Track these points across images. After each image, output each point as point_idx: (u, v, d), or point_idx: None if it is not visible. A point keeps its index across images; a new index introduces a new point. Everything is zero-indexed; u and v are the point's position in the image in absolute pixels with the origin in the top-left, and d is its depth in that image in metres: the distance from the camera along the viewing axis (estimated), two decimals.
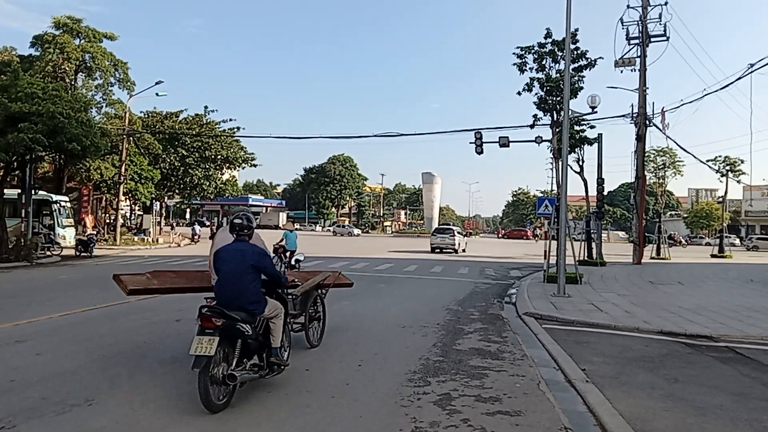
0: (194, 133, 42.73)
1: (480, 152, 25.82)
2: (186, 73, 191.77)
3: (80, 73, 36.53)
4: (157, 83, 33.89)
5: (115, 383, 5.68)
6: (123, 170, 34.29)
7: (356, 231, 75.60)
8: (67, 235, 28.90)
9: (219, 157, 45.58)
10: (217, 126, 44.37)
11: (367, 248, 38.01)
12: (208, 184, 46.22)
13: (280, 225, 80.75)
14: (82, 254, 24.80)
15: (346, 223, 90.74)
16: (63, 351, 7.04)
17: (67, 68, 34.59)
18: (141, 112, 43.63)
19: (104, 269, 19.65)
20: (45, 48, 34.50)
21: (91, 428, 4.43)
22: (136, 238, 36.82)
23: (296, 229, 18.83)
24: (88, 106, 30.54)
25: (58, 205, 28.29)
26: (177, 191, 48.39)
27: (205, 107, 44.64)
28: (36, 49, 35.69)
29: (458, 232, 38.84)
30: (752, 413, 5.19)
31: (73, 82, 35.49)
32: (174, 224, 63.82)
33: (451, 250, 35.63)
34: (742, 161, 41.02)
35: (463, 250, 37.28)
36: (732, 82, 21.78)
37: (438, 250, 35.57)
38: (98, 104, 37.56)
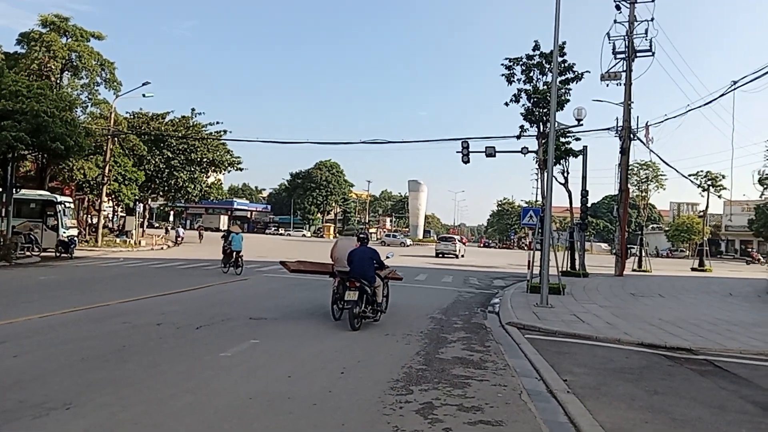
0: (180, 135, 42.44)
1: (467, 161, 25.96)
2: (174, 75, 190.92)
3: (66, 72, 36.14)
4: (144, 84, 33.65)
5: (95, 387, 5.60)
6: (107, 171, 33.93)
7: (408, 241, 68.40)
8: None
9: (205, 159, 45.30)
10: (203, 129, 44.14)
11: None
12: (193, 186, 45.87)
13: (220, 227, 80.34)
14: (63, 255, 24.47)
15: (394, 232, 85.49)
16: (41, 353, 6.94)
17: (53, 67, 34.24)
18: (127, 112, 43.27)
19: (85, 271, 19.41)
20: (31, 46, 34.11)
21: (70, 431, 4.37)
22: (118, 240, 36.41)
23: (241, 232, 20.69)
24: (73, 105, 30.21)
25: (62, 206, 27.93)
26: (161, 193, 47.96)
27: (192, 109, 44.42)
28: (22, 46, 35.28)
29: (458, 241, 45.88)
30: (730, 426, 5.26)
31: (58, 81, 35.11)
32: (168, 227, 62.51)
33: (452, 255, 41.40)
34: (724, 176, 41.62)
35: (462, 256, 43.03)
36: (715, 99, 22.13)
37: (441, 255, 41.38)
38: (83, 104, 37.16)
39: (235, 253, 19.44)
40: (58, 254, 24.53)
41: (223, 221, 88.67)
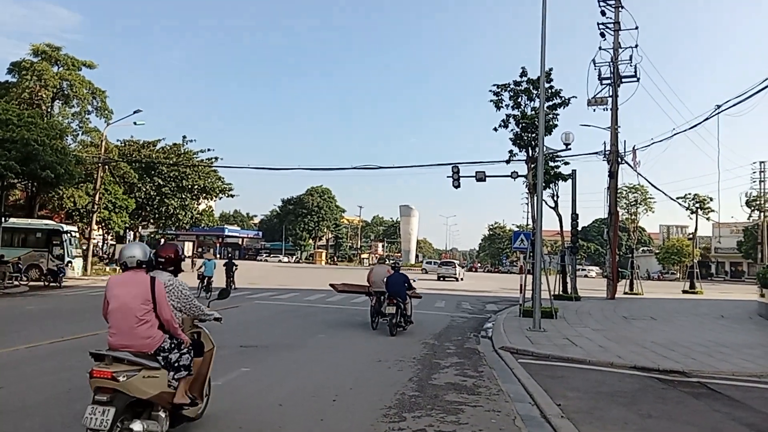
0: (171, 162, 42.46)
1: (457, 186, 26.11)
2: (165, 103, 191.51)
3: (57, 101, 36.26)
4: (135, 112, 33.71)
5: (80, 419, 5.49)
6: (97, 199, 33.80)
7: (460, 272, 49.79)
8: (77, 266, 28.68)
9: (196, 186, 45.26)
10: (194, 156, 44.19)
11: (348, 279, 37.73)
12: (183, 214, 45.73)
13: (183, 253, 79.55)
14: (51, 284, 24.21)
15: (436, 260, 75.94)
16: (27, 384, 6.82)
17: (44, 95, 34.34)
18: (118, 140, 43.35)
19: (74, 300, 19.18)
20: (22, 75, 34.25)
21: None
22: (108, 269, 36.09)
23: (214, 259, 21.96)
24: (64, 133, 30.30)
25: (68, 235, 28.09)
26: (152, 221, 47.76)
27: (184, 137, 44.53)
28: (13, 75, 35.42)
29: (458, 265, 51.03)
30: None
31: (49, 110, 35.19)
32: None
33: (453, 279, 45.45)
34: (711, 199, 42.06)
35: (462, 279, 47.10)
36: (700, 123, 22.53)
37: (443, 279, 45.37)
38: (74, 132, 37.23)
39: (207, 278, 20.51)
40: (46, 283, 24.27)
41: (188, 247, 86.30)
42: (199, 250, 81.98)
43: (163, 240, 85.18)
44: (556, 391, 7.32)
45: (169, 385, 4.46)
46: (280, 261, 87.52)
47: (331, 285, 16.61)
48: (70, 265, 27.30)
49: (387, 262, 17.49)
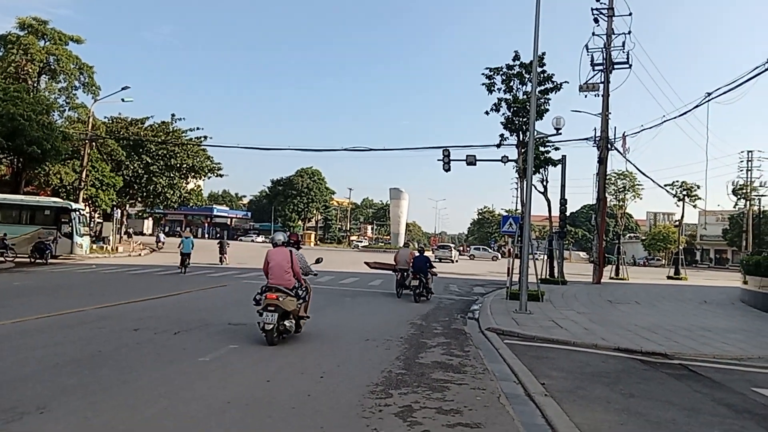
0: (160, 140, 42.04)
1: (447, 170, 26.12)
2: (154, 80, 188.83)
3: (44, 76, 35.72)
4: (123, 89, 33.31)
5: (68, 392, 5.51)
6: (84, 176, 33.46)
7: (455, 254, 54.59)
8: (84, 244, 28.66)
9: (184, 165, 44.87)
10: (183, 134, 43.77)
11: (336, 262, 37.83)
12: (172, 192, 45.38)
13: (144, 231, 79.37)
14: (37, 261, 24.04)
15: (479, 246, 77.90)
16: (14, 358, 6.80)
17: (30, 70, 33.79)
18: (105, 117, 42.82)
19: (60, 277, 19.08)
20: (8, 48, 33.65)
21: None
22: (94, 246, 35.84)
23: (191, 237, 24.61)
24: (51, 109, 29.90)
25: (77, 213, 28.01)
26: (140, 199, 47.40)
27: (172, 115, 44.08)
28: None
29: (454, 248, 57.08)
30: (703, 427, 5.36)
31: (35, 84, 34.67)
32: (130, 231, 58.93)
33: (449, 261, 49.68)
34: (698, 187, 42.44)
35: (456, 261, 52.30)
36: (690, 110, 22.62)
37: (440, 260, 47.76)
38: (61, 108, 36.74)
39: (185, 255, 22.62)
40: (32, 260, 24.10)
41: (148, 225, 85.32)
42: (178, 229, 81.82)
43: (151, 218, 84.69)
44: (541, 371, 7.42)
45: (296, 306, 8.60)
46: (253, 241, 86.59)
47: (366, 263, 20.85)
48: (77, 244, 27.51)
49: (410, 246, 19.90)
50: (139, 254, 35.99)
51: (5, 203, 27.45)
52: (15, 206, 27.42)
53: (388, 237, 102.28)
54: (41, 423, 4.58)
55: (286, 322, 8.37)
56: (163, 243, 43.25)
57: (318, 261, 10.67)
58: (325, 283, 19.29)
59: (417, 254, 16.47)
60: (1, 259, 23.04)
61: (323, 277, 20.22)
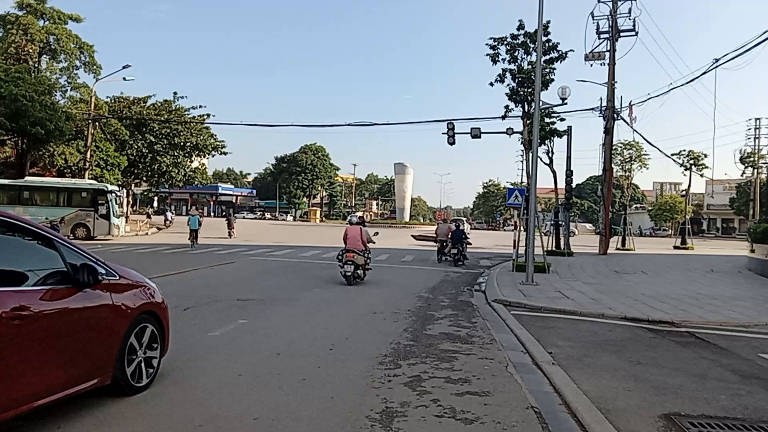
0: (163, 119, 41.89)
1: (452, 143, 25.94)
2: (155, 58, 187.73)
3: (44, 56, 35.52)
4: (124, 67, 33.12)
5: None
6: (88, 156, 33.49)
7: (467, 227, 66.36)
8: (120, 225, 29.32)
9: (188, 144, 44.74)
10: (186, 112, 43.57)
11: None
12: (176, 171, 45.36)
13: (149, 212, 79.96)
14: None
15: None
16: None
17: (30, 50, 33.60)
18: (107, 96, 42.57)
19: None
20: (7, 29, 33.41)
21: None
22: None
23: (198, 214, 26.48)
24: (53, 89, 29.81)
25: (113, 194, 28.66)
26: (144, 179, 47.46)
27: (175, 93, 43.85)
28: None
29: (466, 222, 61.82)
30: (710, 393, 5.40)
31: (36, 65, 34.51)
32: (149, 212, 59.79)
33: None
34: (705, 156, 42.20)
35: (469, 233, 55.85)
36: (697, 77, 22.31)
37: None
38: (63, 88, 36.61)
39: (192, 231, 24.42)
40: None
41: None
42: (184, 208, 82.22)
43: (156, 197, 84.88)
44: (548, 341, 7.47)
45: (364, 261, 13.34)
46: (275, 218, 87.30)
47: (413, 236, 27.72)
48: (114, 225, 28.21)
49: (445, 221, 25.25)
50: (146, 233, 36.17)
51: (43, 186, 28.32)
52: (53, 189, 28.21)
53: (394, 212, 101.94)
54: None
55: (359, 271, 13.23)
56: (171, 221, 43.55)
57: (376, 234, 15.39)
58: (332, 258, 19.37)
59: (454, 228, 20.49)
60: None
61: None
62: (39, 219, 23.99)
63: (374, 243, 14.56)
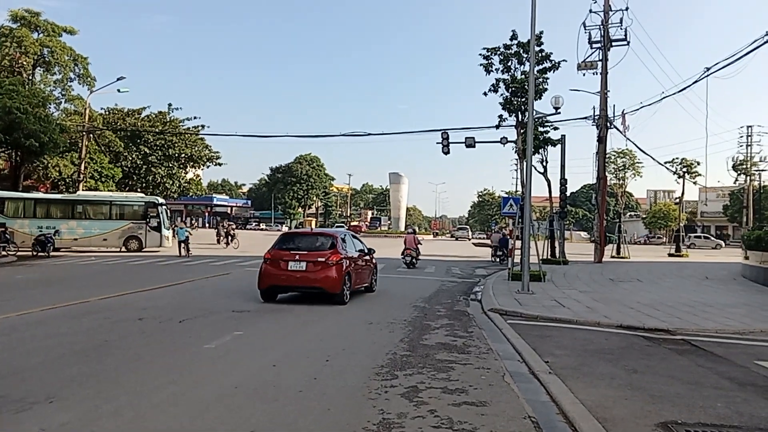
0: (157, 130, 41.92)
1: (446, 152, 26.07)
2: (149, 70, 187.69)
3: (38, 68, 35.54)
4: (118, 79, 33.12)
5: (77, 381, 5.55)
6: (83, 168, 33.42)
7: (470, 234, 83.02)
8: (170, 236, 29.69)
9: (183, 155, 44.81)
10: (180, 124, 43.62)
11: None
12: (171, 182, 45.38)
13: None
14: (40, 254, 24.12)
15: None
16: (21, 350, 6.85)
17: (24, 62, 33.61)
18: (102, 108, 42.69)
19: (63, 269, 19.14)
20: (1, 42, 33.41)
21: (54, 424, 4.33)
22: None
23: (185, 226, 28.16)
24: (47, 101, 29.77)
25: (163, 207, 29.33)
26: (139, 190, 47.34)
27: (169, 105, 43.91)
28: None
29: (468, 229, 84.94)
30: (707, 400, 5.40)
31: (30, 77, 34.49)
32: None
33: (465, 239, 69.28)
34: (698, 163, 42.32)
35: (470, 239, 70.62)
36: (688, 86, 22.52)
37: (455, 239, 72.69)
38: (57, 100, 36.57)
39: (181, 241, 25.72)
40: (35, 253, 24.17)
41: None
42: (179, 219, 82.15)
43: None
44: (545, 350, 7.47)
45: (415, 256, 22.37)
46: (269, 228, 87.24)
47: (472, 243, 36.12)
48: (165, 236, 28.75)
49: (498, 231, 29.96)
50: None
51: (96, 200, 28.81)
52: (105, 203, 28.73)
53: (389, 222, 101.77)
54: (51, 412, 4.62)
55: (414, 261, 21.46)
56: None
57: (420, 243, 22.92)
58: None
59: (501, 236, 26.09)
60: (3, 253, 23.08)
61: None
62: (92, 232, 27.31)
63: (422, 245, 23.50)
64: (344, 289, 11.28)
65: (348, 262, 11.56)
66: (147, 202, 28.84)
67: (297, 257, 11.30)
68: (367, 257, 13.31)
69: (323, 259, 11.14)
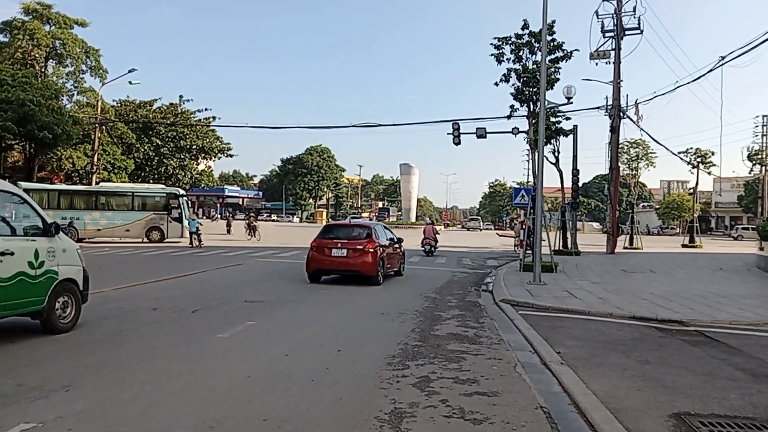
0: (169, 122, 42.12)
1: (457, 143, 25.96)
2: (160, 62, 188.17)
3: (51, 60, 35.79)
4: (130, 71, 33.25)
5: (93, 369, 5.63)
6: (95, 160, 33.67)
7: (482, 224, 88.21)
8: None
9: (194, 146, 45.02)
10: (192, 115, 43.79)
11: None
12: (183, 174, 45.64)
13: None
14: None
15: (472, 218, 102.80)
16: (36, 339, 6.94)
17: (37, 55, 33.85)
18: (114, 100, 42.95)
19: None
20: (14, 34, 33.66)
21: (70, 412, 4.39)
22: None
23: (196, 218, 28.53)
24: (59, 93, 29.99)
25: (184, 199, 29.86)
26: (151, 181, 47.71)
27: (180, 96, 44.14)
28: (4, 35, 34.86)
29: (480, 220, 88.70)
30: (720, 392, 5.37)
31: (43, 69, 34.76)
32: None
33: (477, 230, 73.72)
34: (713, 153, 41.85)
35: (482, 230, 75.90)
36: (703, 75, 22.25)
37: (468, 229, 74.90)
38: (69, 92, 36.85)
39: (191, 233, 26.24)
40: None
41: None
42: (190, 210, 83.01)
43: None
44: (556, 340, 7.46)
45: (435, 244, 24.20)
46: (280, 219, 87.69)
47: (497, 233, 36.87)
48: (185, 227, 28.79)
49: (520, 222, 28.23)
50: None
51: (118, 192, 29.40)
52: (127, 194, 29.26)
53: (399, 213, 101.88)
54: (68, 400, 4.69)
55: (432, 249, 23.01)
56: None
57: (438, 233, 24.12)
58: None
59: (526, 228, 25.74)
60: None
61: None
62: (115, 223, 27.66)
63: (440, 234, 25.61)
64: (379, 272, 13.20)
65: (381, 249, 13.54)
66: (168, 194, 29.24)
67: (339, 245, 13.10)
68: (397, 245, 15.15)
69: (361, 247, 13.04)
